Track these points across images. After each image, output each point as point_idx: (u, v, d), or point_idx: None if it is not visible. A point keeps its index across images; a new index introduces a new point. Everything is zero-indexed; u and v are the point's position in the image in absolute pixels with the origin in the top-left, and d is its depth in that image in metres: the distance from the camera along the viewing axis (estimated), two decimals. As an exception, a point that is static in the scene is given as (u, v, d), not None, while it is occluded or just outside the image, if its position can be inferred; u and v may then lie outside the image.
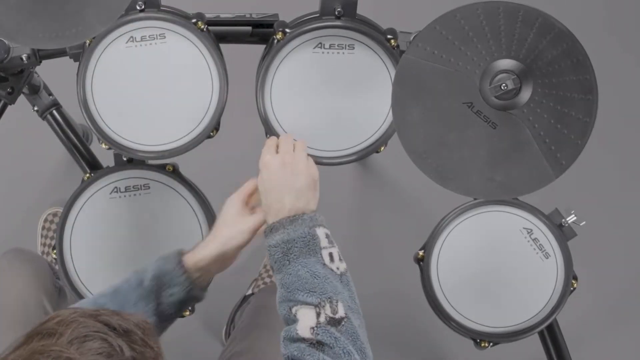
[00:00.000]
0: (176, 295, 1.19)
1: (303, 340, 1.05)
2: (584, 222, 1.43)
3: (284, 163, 1.19)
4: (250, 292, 1.99)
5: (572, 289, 1.43)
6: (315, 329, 1.06)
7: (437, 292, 1.44)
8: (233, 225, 1.23)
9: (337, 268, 1.12)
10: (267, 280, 1.98)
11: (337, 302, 1.08)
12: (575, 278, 1.43)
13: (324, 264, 1.11)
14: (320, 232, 1.13)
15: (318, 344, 1.05)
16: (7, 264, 1.49)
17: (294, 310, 1.09)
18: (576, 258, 1.44)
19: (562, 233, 1.43)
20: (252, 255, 2.06)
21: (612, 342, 1.98)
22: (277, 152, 1.22)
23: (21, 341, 0.86)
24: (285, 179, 1.17)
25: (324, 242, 1.13)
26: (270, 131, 1.36)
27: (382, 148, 1.38)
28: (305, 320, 1.07)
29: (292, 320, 1.09)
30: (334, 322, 1.06)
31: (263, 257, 2.02)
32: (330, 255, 1.12)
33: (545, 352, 1.54)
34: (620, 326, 2.00)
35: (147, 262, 1.21)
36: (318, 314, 1.07)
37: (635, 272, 2.04)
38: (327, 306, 1.07)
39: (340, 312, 1.07)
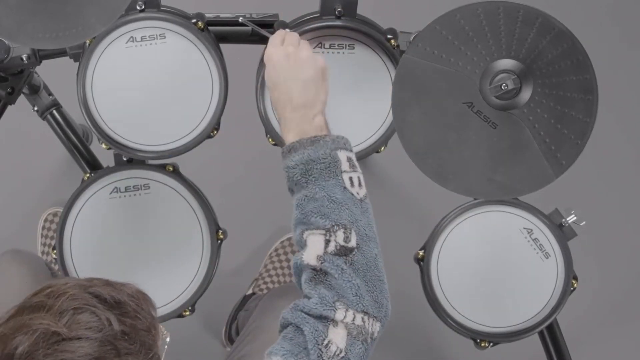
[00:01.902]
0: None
1: (308, 267, 1.04)
2: (584, 222, 1.43)
3: (288, 54, 1.15)
4: (250, 292, 1.99)
5: (572, 289, 1.43)
6: (322, 257, 1.03)
7: (437, 292, 1.44)
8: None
9: (357, 193, 1.07)
10: (267, 280, 1.98)
11: (350, 230, 1.04)
12: (575, 278, 1.43)
13: (344, 187, 1.07)
14: (342, 155, 1.09)
15: (322, 273, 1.02)
16: (4, 265, 1.50)
17: (305, 235, 1.06)
18: (576, 258, 1.44)
19: (562, 233, 1.43)
20: (252, 255, 2.06)
21: (612, 342, 1.98)
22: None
23: (11, 313, 0.86)
24: (290, 70, 1.14)
25: (345, 165, 1.08)
26: (270, 131, 1.36)
27: (382, 148, 1.38)
28: (313, 247, 1.05)
29: (302, 244, 1.07)
30: (345, 250, 1.03)
31: (263, 257, 2.02)
32: (351, 179, 1.08)
33: (545, 352, 1.54)
34: (620, 326, 2.00)
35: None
36: (327, 242, 1.04)
37: (635, 272, 2.04)
38: (340, 232, 1.04)
39: (352, 242, 1.04)
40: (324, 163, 1.07)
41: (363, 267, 1.03)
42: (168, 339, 1.01)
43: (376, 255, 1.05)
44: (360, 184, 1.09)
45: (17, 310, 0.86)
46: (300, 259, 1.05)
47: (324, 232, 1.04)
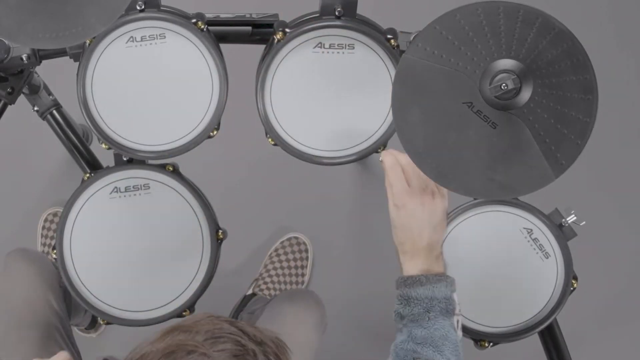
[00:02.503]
0: None
1: None
2: (584, 222, 1.43)
3: (423, 204, 1.19)
4: (250, 292, 1.99)
5: (572, 289, 1.43)
6: None
7: (437, 292, 1.44)
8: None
9: (459, 335, 1.17)
10: (268, 280, 1.98)
11: None
12: (575, 278, 1.43)
13: (455, 329, 1.16)
14: (456, 297, 1.18)
15: None
16: (12, 264, 1.50)
17: (415, 358, 1.13)
18: (576, 258, 1.44)
19: (562, 233, 1.43)
20: (252, 255, 2.06)
21: (612, 342, 1.98)
22: (407, 183, 1.19)
23: (159, 335, 0.90)
24: (424, 217, 1.18)
25: (457, 308, 1.17)
26: (270, 131, 1.36)
27: (382, 148, 1.38)
28: None
29: None
30: None
31: (263, 257, 2.02)
32: (458, 322, 1.17)
33: (545, 352, 1.53)
34: (620, 326, 2.00)
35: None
36: None
37: (635, 272, 2.04)
38: None
39: None
40: (445, 303, 1.15)
41: None
42: None
43: None
44: (459, 327, 1.18)
45: (165, 333, 0.90)
46: None
47: None
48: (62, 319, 1.49)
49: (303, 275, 2.02)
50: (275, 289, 1.97)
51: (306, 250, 2.03)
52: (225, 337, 0.89)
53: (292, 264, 2.01)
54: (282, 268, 2.01)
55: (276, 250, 2.03)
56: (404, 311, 1.17)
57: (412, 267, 1.19)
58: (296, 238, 2.04)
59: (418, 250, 1.18)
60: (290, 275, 2.01)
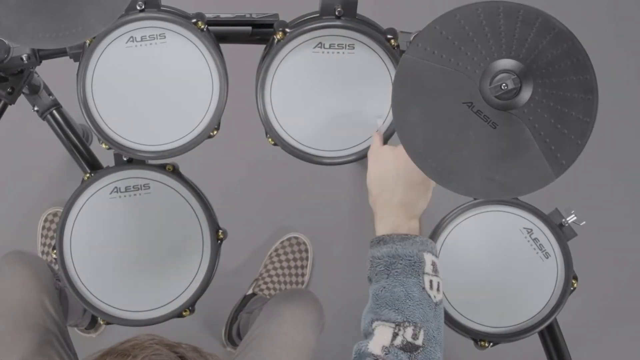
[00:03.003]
0: None
1: (371, 355, 1.05)
2: (584, 222, 1.43)
3: (398, 155, 1.18)
4: (250, 292, 1.99)
5: (572, 289, 1.43)
6: (387, 348, 1.05)
7: (437, 292, 1.44)
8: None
9: (434, 296, 1.11)
10: (268, 280, 1.98)
11: (420, 329, 1.07)
12: (575, 278, 1.43)
13: (423, 288, 1.10)
14: (428, 257, 1.13)
15: None
16: (7, 266, 1.50)
17: (374, 324, 1.09)
18: (576, 258, 1.44)
19: (562, 233, 1.43)
20: (252, 255, 2.06)
21: (612, 342, 1.98)
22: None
23: (96, 358, 0.87)
24: (399, 170, 1.17)
25: (428, 267, 1.12)
26: (270, 131, 1.36)
27: (382, 148, 1.38)
28: (380, 337, 1.06)
29: (369, 333, 1.09)
30: (410, 347, 1.05)
31: (263, 257, 2.03)
32: (431, 282, 1.12)
33: (545, 352, 1.53)
34: (620, 326, 2.00)
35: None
36: (395, 335, 1.06)
37: (634, 272, 2.04)
38: (409, 329, 1.07)
39: (420, 340, 1.06)
40: (409, 260, 1.11)
41: None
42: None
43: (439, 359, 1.07)
44: (438, 289, 1.12)
45: (101, 356, 0.88)
46: (366, 346, 1.06)
47: (393, 325, 1.07)
48: (58, 321, 1.49)
49: (303, 275, 2.02)
50: (275, 289, 1.97)
51: (306, 250, 2.03)
52: None
53: (292, 263, 2.01)
54: (282, 268, 2.01)
55: (276, 250, 2.03)
56: (370, 273, 1.14)
57: (381, 227, 1.16)
58: (296, 238, 2.04)
59: (390, 208, 1.16)
60: (290, 275, 2.01)
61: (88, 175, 1.46)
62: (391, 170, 1.18)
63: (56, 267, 1.47)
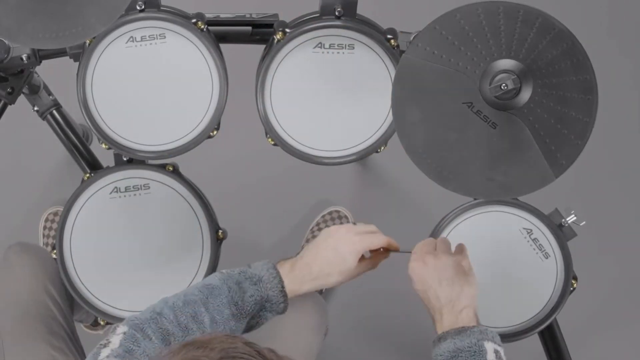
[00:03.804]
0: (269, 317, 1.20)
1: None
2: (584, 222, 1.43)
3: (425, 263, 1.22)
4: None
5: (572, 289, 1.43)
6: None
7: (437, 292, 1.43)
8: (342, 275, 1.23)
9: None
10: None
11: None
12: (575, 278, 1.43)
13: None
14: (489, 346, 1.14)
15: None
16: (15, 256, 1.49)
17: None
18: (576, 258, 1.44)
19: (562, 233, 1.43)
20: (252, 255, 2.06)
21: (612, 342, 1.98)
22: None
23: (174, 348, 0.89)
24: (430, 276, 1.20)
25: (491, 356, 1.13)
26: (270, 131, 1.36)
27: (382, 148, 1.38)
28: None
29: None
30: None
31: (305, 231, 2.01)
32: None
33: (545, 352, 1.53)
34: (620, 326, 2.00)
35: (238, 273, 1.17)
36: None
37: (635, 272, 2.04)
38: None
39: None
40: (469, 351, 1.12)
41: None
42: None
43: None
44: None
45: (182, 347, 0.89)
46: None
47: None
48: (65, 311, 1.49)
49: None
50: None
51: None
52: (240, 357, 0.88)
53: None
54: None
55: (318, 224, 2.02)
56: None
57: (440, 328, 1.19)
58: (337, 212, 2.02)
59: (442, 310, 1.19)
60: None
61: (88, 175, 1.46)
62: (427, 279, 1.21)
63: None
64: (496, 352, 1.14)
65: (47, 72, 1.62)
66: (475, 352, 1.12)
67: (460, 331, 1.14)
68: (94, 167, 1.59)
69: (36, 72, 1.58)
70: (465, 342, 1.13)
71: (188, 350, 0.88)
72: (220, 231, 1.47)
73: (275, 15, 1.41)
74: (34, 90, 1.60)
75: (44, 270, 1.48)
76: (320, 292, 1.96)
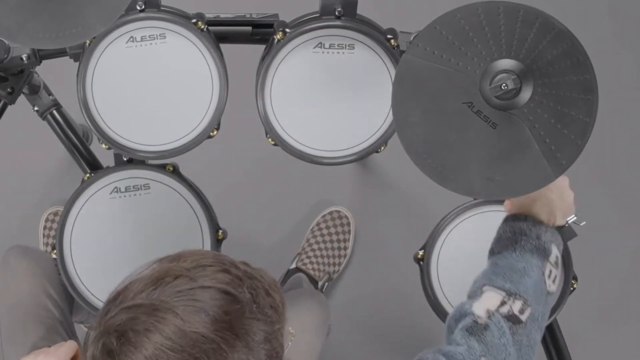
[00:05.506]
0: None
1: (473, 314, 1.07)
2: (584, 222, 1.43)
3: (564, 179, 1.22)
4: (294, 266, 1.98)
5: (572, 289, 1.43)
6: (492, 312, 1.06)
7: (437, 292, 1.44)
8: None
9: (549, 285, 1.13)
10: (311, 254, 1.97)
11: (528, 306, 1.08)
12: (575, 278, 1.43)
13: (542, 273, 1.12)
14: (554, 250, 1.15)
15: (482, 327, 1.05)
16: (13, 259, 1.50)
17: (484, 288, 1.11)
18: (576, 258, 1.44)
19: (562, 233, 1.43)
20: (252, 255, 2.06)
21: (612, 342, 1.98)
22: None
23: (149, 263, 0.96)
24: (560, 188, 1.21)
25: (552, 258, 1.14)
26: (270, 131, 1.36)
27: (382, 148, 1.38)
28: (488, 301, 1.08)
29: (476, 295, 1.11)
30: (514, 319, 1.07)
31: (305, 231, 2.01)
32: (550, 272, 1.13)
33: (545, 352, 1.54)
34: (620, 326, 2.00)
35: None
36: (503, 303, 1.08)
37: (635, 272, 2.04)
38: (519, 302, 1.08)
39: (524, 317, 1.07)
40: (538, 243, 1.13)
41: (522, 343, 1.07)
42: (292, 338, 1.05)
43: (537, 343, 1.09)
44: (554, 281, 1.14)
45: (156, 261, 0.96)
46: (470, 305, 1.08)
47: (504, 293, 1.09)
48: (65, 312, 1.49)
49: (345, 248, 2.01)
50: (317, 263, 1.95)
51: (348, 224, 2.02)
52: (213, 266, 0.92)
53: (335, 237, 2.00)
54: (324, 242, 2.00)
55: (318, 224, 2.02)
56: (494, 245, 1.16)
57: (537, 213, 1.18)
58: (338, 212, 2.03)
59: (541, 208, 1.18)
60: (332, 249, 2.00)
61: (88, 175, 1.46)
62: (558, 189, 1.21)
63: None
64: (557, 257, 1.16)
65: (47, 72, 1.62)
66: (543, 247, 1.13)
67: (540, 223, 1.15)
68: (94, 167, 1.59)
69: (36, 72, 1.58)
70: (539, 232, 1.14)
71: (160, 264, 0.94)
72: (220, 231, 1.47)
73: (275, 15, 1.41)
74: (34, 90, 1.60)
75: (43, 272, 1.48)
76: (322, 290, 1.97)
